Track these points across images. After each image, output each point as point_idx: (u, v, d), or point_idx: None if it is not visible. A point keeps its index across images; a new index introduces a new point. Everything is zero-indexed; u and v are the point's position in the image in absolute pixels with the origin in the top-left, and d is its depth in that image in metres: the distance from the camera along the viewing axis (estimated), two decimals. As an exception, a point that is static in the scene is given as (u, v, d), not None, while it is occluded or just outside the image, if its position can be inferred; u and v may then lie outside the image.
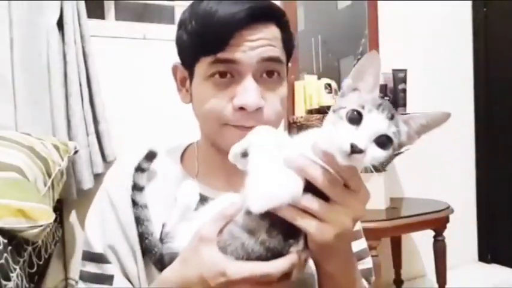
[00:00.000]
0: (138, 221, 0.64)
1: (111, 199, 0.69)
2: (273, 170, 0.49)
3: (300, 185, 0.48)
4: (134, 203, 0.65)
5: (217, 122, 0.65)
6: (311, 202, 0.49)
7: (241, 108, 0.63)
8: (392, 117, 0.46)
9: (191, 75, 0.68)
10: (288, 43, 0.69)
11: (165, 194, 0.68)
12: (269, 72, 0.65)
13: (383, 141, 0.45)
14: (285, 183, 0.48)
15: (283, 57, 0.67)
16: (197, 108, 0.69)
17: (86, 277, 0.67)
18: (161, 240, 0.63)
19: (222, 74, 0.64)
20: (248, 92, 0.62)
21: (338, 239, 0.50)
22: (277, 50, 0.65)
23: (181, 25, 0.68)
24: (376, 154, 0.45)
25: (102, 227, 0.68)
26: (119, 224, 0.67)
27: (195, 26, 0.64)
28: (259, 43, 0.63)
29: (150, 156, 0.69)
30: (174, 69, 0.73)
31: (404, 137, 0.48)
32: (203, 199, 0.68)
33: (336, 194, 0.49)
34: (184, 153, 0.77)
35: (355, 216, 0.51)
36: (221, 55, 0.62)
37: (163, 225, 0.64)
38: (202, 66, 0.65)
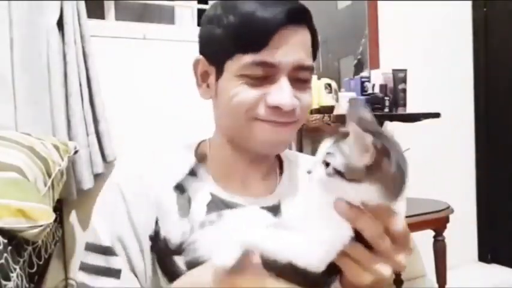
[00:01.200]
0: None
1: (123, 195, 0.68)
2: (316, 227, 0.49)
3: (350, 233, 0.48)
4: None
5: (246, 116, 0.64)
6: (355, 250, 0.49)
7: (275, 107, 0.63)
8: (335, 143, 0.48)
9: (219, 71, 0.67)
10: (316, 46, 0.70)
11: (181, 189, 0.68)
12: (300, 79, 0.66)
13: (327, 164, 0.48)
14: (338, 231, 0.48)
15: (312, 63, 0.68)
16: (223, 103, 0.67)
17: (89, 269, 0.66)
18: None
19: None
20: (284, 92, 0.63)
21: (374, 285, 0.50)
22: (308, 56, 0.66)
23: (213, 20, 0.66)
24: (316, 173, 0.48)
25: (111, 218, 0.67)
26: (129, 219, 0.67)
27: (233, 21, 0.63)
28: (295, 47, 0.64)
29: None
30: (196, 64, 0.71)
31: (346, 159, 0.47)
32: (218, 201, 0.68)
33: (381, 247, 0.49)
34: (197, 150, 0.76)
35: (395, 269, 0.51)
36: (259, 57, 0.62)
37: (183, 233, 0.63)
38: (236, 64, 0.63)
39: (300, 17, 0.65)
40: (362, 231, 0.48)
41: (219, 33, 0.65)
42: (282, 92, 0.63)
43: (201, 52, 0.70)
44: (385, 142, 0.45)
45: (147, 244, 0.67)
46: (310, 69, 0.66)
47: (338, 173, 0.46)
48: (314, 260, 0.48)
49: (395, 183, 0.46)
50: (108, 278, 0.64)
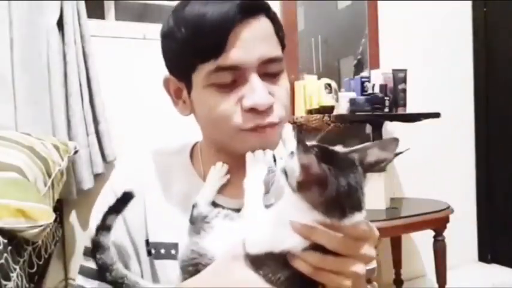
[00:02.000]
0: (105, 266, 0.60)
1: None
2: (270, 221, 0.52)
3: (295, 241, 0.50)
4: (99, 247, 0.60)
5: (230, 128, 0.62)
6: (322, 260, 0.50)
7: (252, 109, 0.61)
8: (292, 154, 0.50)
9: (189, 85, 0.65)
10: (280, 33, 0.66)
11: (178, 192, 0.68)
12: (271, 73, 0.64)
13: None
14: (279, 237, 0.51)
15: (280, 52, 0.65)
16: (203, 117, 0.66)
17: (87, 273, 0.66)
18: (192, 221, 0.61)
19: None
20: (256, 91, 0.60)
21: (354, 284, 0.52)
22: (274, 47, 0.63)
23: (168, 35, 0.64)
24: (280, 164, 0.52)
25: None
26: (124, 224, 0.67)
27: (185, 33, 0.60)
28: (256, 41, 0.60)
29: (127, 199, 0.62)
30: (166, 83, 0.69)
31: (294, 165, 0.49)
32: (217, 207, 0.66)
33: (346, 250, 0.50)
34: (191, 152, 0.76)
35: (367, 262, 0.53)
36: (221, 62, 0.59)
37: (193, 206, 0.62)
38: (201, 75, 0.61)
39: (252, 9, 0.61)
40: (322, 244, 0.49)
41: (175, 48, 0.63)
42: (254, 92, 0.60)
43: (168, 69, 0.68)
44: (335, 178, 0.46)
45: (143, 248, 0.67)
46: (279, 60, 0.63)
47: (284, 172, 0.49)
48: (250, 239, 0.52)
49: (326, 210, 0.48)
50: (105, 283, 0.64)
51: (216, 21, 0.58)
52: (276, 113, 0.63)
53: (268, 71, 0.63)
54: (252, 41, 0.60)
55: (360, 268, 0.51)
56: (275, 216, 0.52)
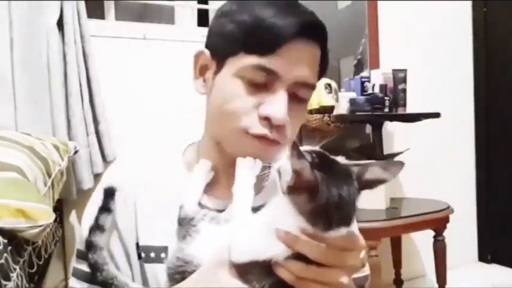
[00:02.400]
0: (97, 266, 0.61)
1: None
2: (257, 228, 0.52)
3: (279, 250, 0.50)
4: (91, 246, 0.62)
5: (236, 127, 0.62)
6: (305, 269, 0.49)
7: (266, 119, 0.61)
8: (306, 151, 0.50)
9: (219, 66, 0.65)
10: (325, 61, 0.68)
11: (169, 193, 0.68)
12: (299, 97, 0.64)
13: None
14: (264, 245, 0.50)
15: (316, 82, 0.66)
16: (217, 104, 0.65)
17: (80, 275, 0.67)
18: (180, 222, 0.61)
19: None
20: (279, 103, 0.61)
21: None
22: (314, 75, 0.64)
23: (226, 14, 0.65)
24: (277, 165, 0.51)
25: None
26: (115, 227, 0.67)
27: (246, 19, 0.61)
28: (302, 62, 0.62)
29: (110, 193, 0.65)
30: (198, 55, 0.69)
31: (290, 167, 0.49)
32: (204, 208, 0.66)
33: (329, 260, 0.50)
34: (186, 153, 0.75)
35: (351, 272, 0.53)
36: (263, 62, 0.60)
37: (180, 207, 0.62)
38: (238, 63, 0.62)
39: (313, 31, 0.63)
40: (305, 254, 0.49)
41: (228, 28, 0.63)
42: (276, 104, 0.61)
43: (206, 45, 0.68)
44: (327, 187, 0.46)
45: (133, 251, 0.66)
46: (312, 87, 0.65)
47: (279, 173, 0.49)
48: (236, 248, 0.51)
49: (312, 218, 0.47)
50: (95, 286, 0.64)
51: (278, 26, 0.60)
52: (286, 134, 0.63)
53: (297, 93, 0.63)
54: (299, 59, 0.61)
55: (343, 278, 0.51)
56: (262, 222, 0.52)
